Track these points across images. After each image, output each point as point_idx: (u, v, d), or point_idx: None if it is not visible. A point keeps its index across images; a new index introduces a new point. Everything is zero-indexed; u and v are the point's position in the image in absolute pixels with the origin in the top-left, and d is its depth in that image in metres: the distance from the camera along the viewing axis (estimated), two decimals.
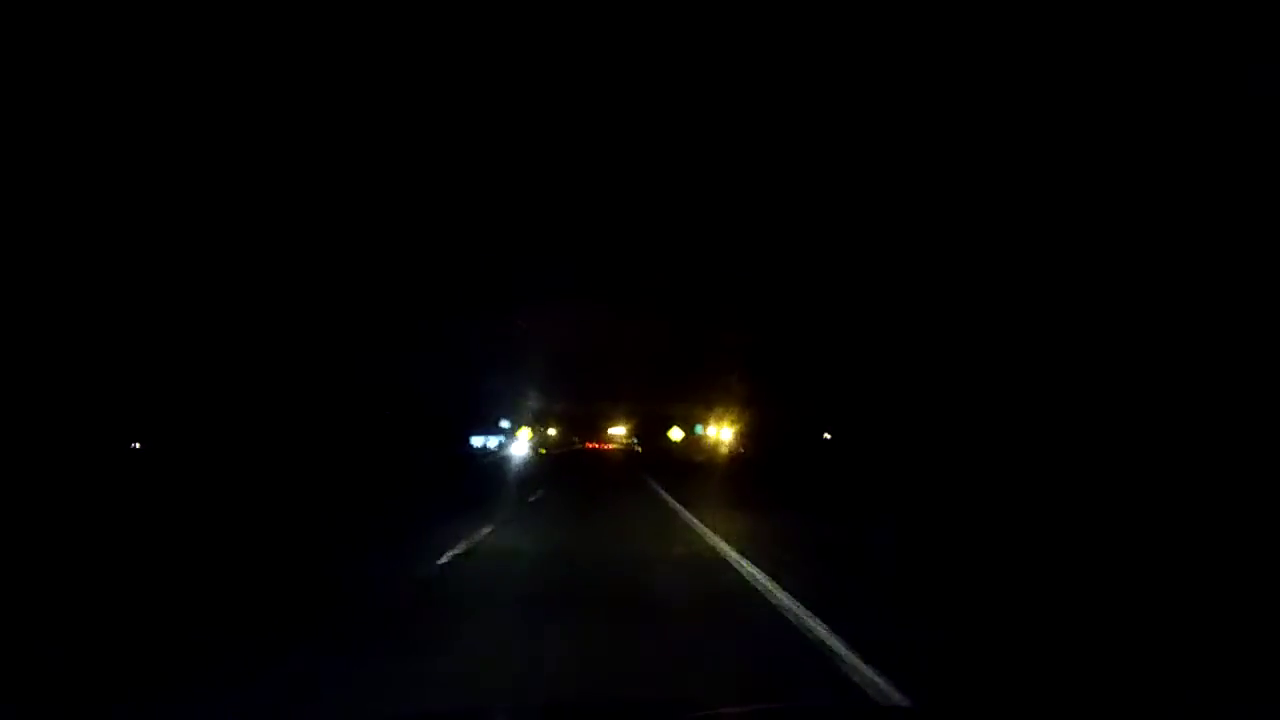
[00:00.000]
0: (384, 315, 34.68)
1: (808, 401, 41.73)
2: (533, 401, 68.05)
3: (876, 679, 4.44)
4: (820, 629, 5.50)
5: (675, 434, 54.11)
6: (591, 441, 77.95)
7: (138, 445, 29.48)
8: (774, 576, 7.36)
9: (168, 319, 25.91)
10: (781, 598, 6.56)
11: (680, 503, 15.49)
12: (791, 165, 26.36)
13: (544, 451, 61.32)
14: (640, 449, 58.82)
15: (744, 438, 49.86)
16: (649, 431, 61.78)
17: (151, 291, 25.05)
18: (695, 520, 12.36)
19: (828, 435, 43.69)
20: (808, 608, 6.07)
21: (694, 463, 39.90)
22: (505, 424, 67.24)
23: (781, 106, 23.41)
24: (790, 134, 24.93)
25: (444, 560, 8.43)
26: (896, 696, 4.22)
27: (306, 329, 31.18)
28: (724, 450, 48.78)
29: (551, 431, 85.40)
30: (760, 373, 43.71)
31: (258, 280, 28.20)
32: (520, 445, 58.47)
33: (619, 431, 76.43)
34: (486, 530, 10.91)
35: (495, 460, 44.00)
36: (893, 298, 27.75)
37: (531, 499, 17.16)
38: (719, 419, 49.80)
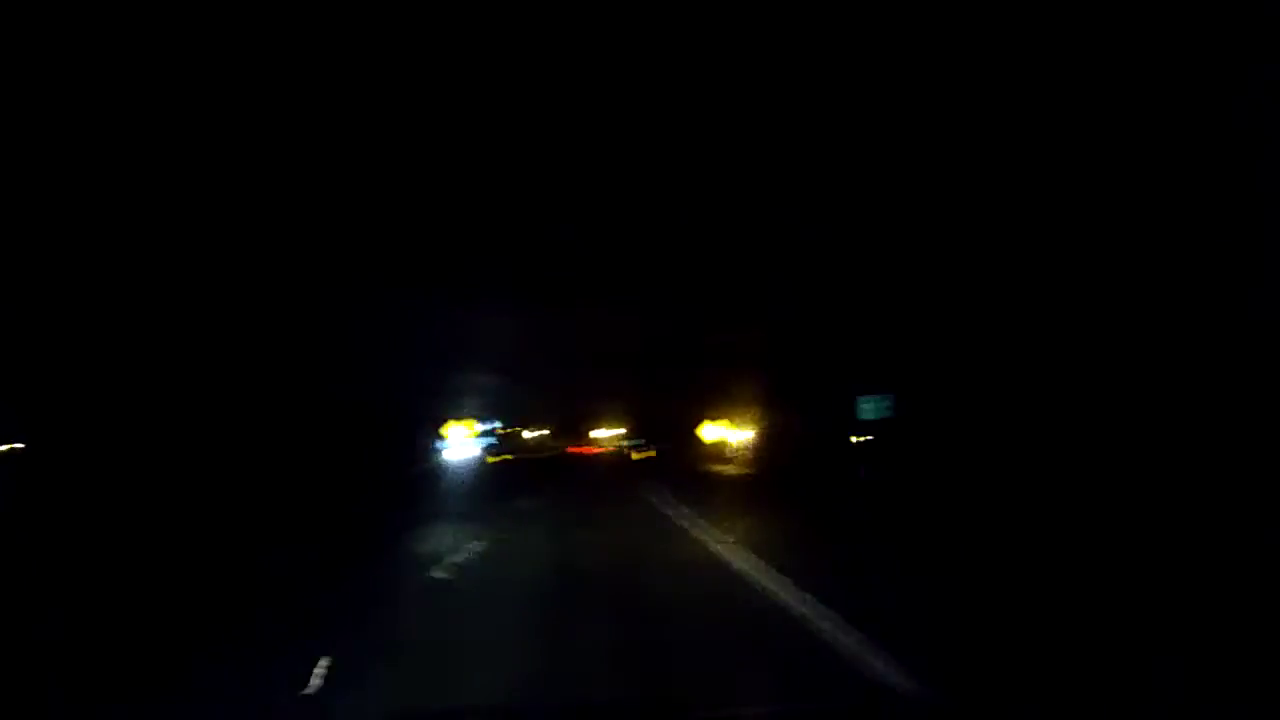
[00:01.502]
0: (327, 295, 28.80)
1: (834, 396, 36.20)
2: (514, 395, 60.36)
3: None
4: None
5: (709, 433, 44.61)
6: (574, 445, 69.22)
7: (19, 446, 22.73)
8: None
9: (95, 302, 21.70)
10: None
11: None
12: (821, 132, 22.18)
13: (494, 460, 47.97)
14: (636, 455, 50.28)
15: (768, 439, 43.11)
16: (652, 432, 53.58)
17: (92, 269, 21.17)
18: None
19: (867, 438, 37.56)
20: None
21: (737, 478, 32.64)
22: (496, 424, 59.51)
23: (807, 73, 19.80)
24: (831, 92, 20.39)
25: None
26: None
27: (260, 316, 26.88)
28: (740, 452, 41.91)
29: (527, 434, 77.47)
30: (777, 364, 37.77)
31: (220, 270, 24.33)
32: (458, 448, 42.91)
33: (607, 434, 68.20)
34: None
35: (421, 473, 33.07)
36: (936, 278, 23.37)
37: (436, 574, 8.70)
38: (734, 417, 42.71)
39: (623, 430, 61.77)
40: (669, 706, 3.05)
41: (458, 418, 43.53)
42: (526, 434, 75.74)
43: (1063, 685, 4.52)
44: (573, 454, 63.55)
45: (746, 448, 41.11)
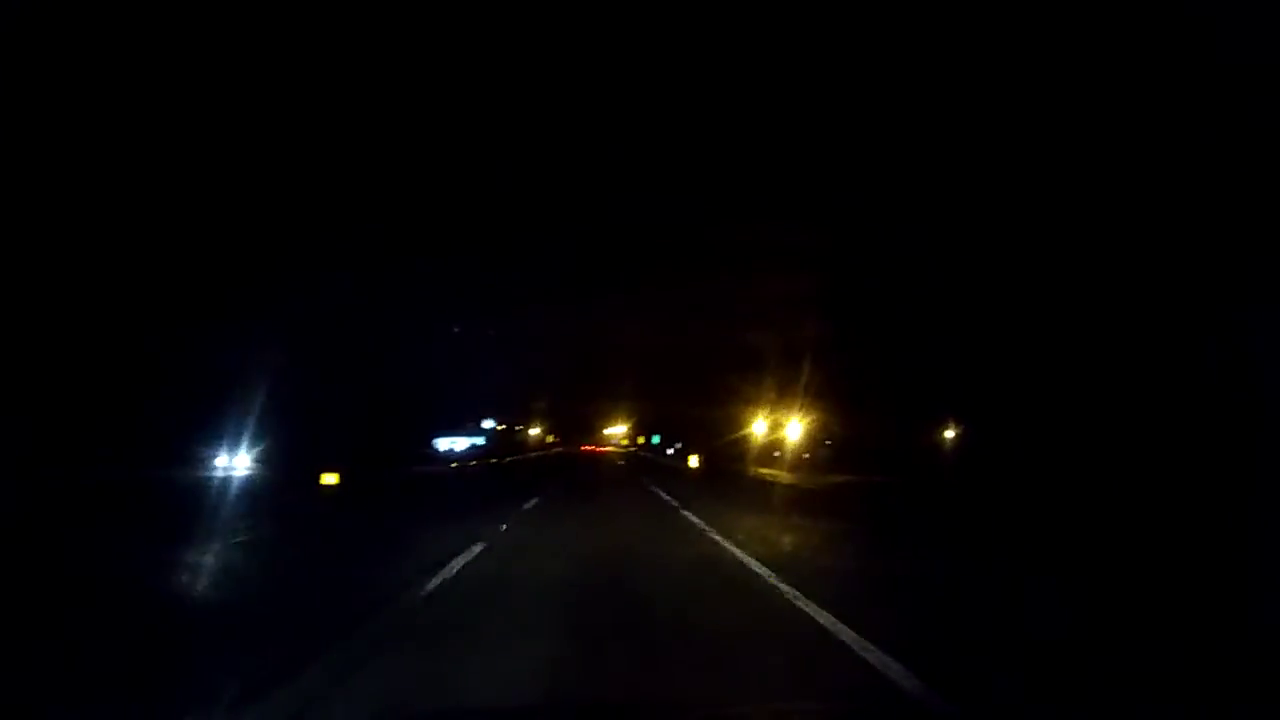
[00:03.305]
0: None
1: (913, 388, 31.27)
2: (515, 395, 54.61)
3: None
4: None
5: (758, 428, 36.60)
6: (587, 444, 63.43)
7: None
8: None
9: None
10: None
11: None
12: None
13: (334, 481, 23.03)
14: (693, 458, 43.79)
15: (817, 442, 37.27)
16: (683, 433, 47.39)
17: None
18: None
19: (949, 433, 32.31)
20: None
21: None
22: (489, 424, 53.84)
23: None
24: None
25: None
26: None
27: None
28: (793, 458, 35.92)
29: (532, 432, 71.80)
30: (830, 355, 32.38)
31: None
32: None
33: (622, 431, 62.32)
34: None
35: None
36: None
37: None
38: (784, 419, 36.34)
39: (629, 428, 55.78)
40: (672, 706, 3.03)
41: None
42: (532, 431, 70.23)
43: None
44: (586, 452, 58.44)
45: (801, 454, 35.28)
